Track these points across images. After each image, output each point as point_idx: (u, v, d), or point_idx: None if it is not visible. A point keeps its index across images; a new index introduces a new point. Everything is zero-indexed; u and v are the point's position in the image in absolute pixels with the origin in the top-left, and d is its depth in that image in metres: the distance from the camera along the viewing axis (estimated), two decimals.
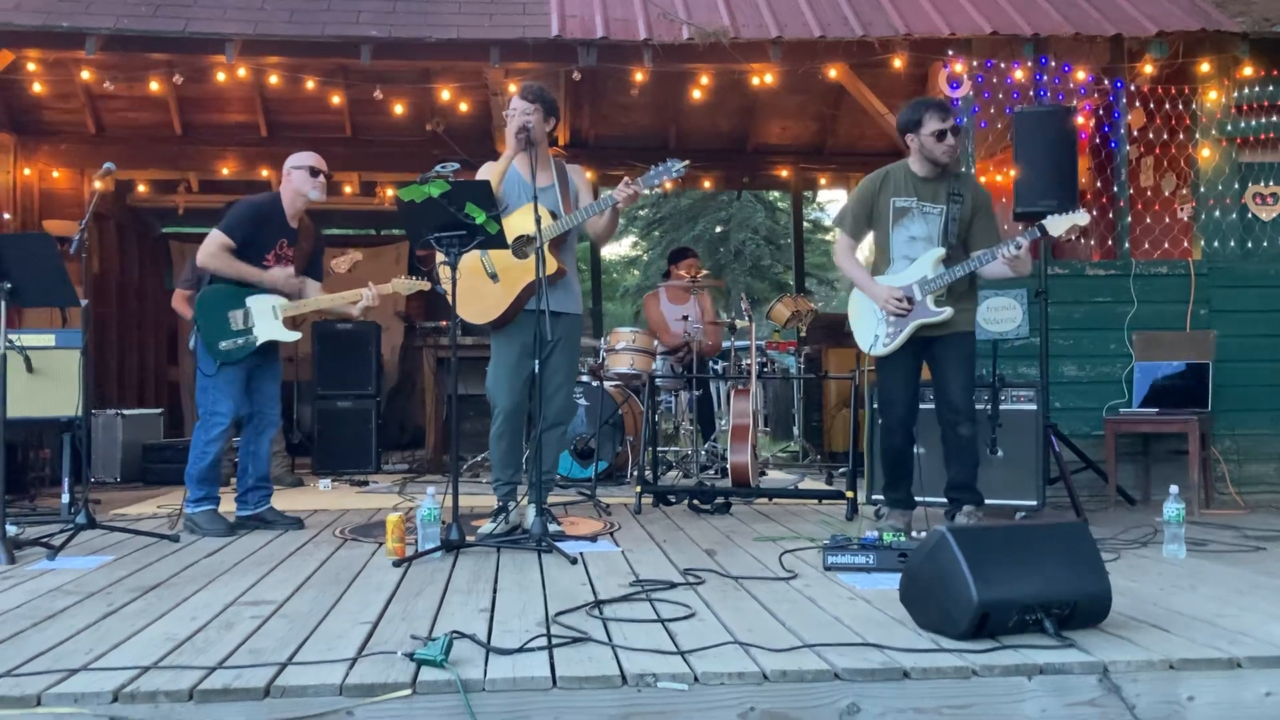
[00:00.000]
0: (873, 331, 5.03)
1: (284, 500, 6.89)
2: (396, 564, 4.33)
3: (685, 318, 7.97)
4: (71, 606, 3.61)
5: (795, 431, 9.46)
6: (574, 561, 4.35)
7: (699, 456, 7.88)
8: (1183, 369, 6.47)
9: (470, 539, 4.68)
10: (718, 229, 28.66)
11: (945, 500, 5.15)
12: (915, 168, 5.01)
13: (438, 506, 4.60)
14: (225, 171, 10.02)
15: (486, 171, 5.14)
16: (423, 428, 9.80)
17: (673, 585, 3.88)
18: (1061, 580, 3.11)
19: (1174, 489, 4.57)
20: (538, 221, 4.75)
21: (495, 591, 3.82)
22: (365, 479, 7.91)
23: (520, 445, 5.12)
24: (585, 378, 7.59)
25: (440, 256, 4.75)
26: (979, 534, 3.18)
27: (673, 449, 8.27)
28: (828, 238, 29.48)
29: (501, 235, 4.69)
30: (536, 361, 4.74)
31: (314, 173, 5.53)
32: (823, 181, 11.23)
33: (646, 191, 5.03)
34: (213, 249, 5.34)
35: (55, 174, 9.85)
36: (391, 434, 10.65)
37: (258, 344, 5.41)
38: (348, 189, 10.55)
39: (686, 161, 4.92)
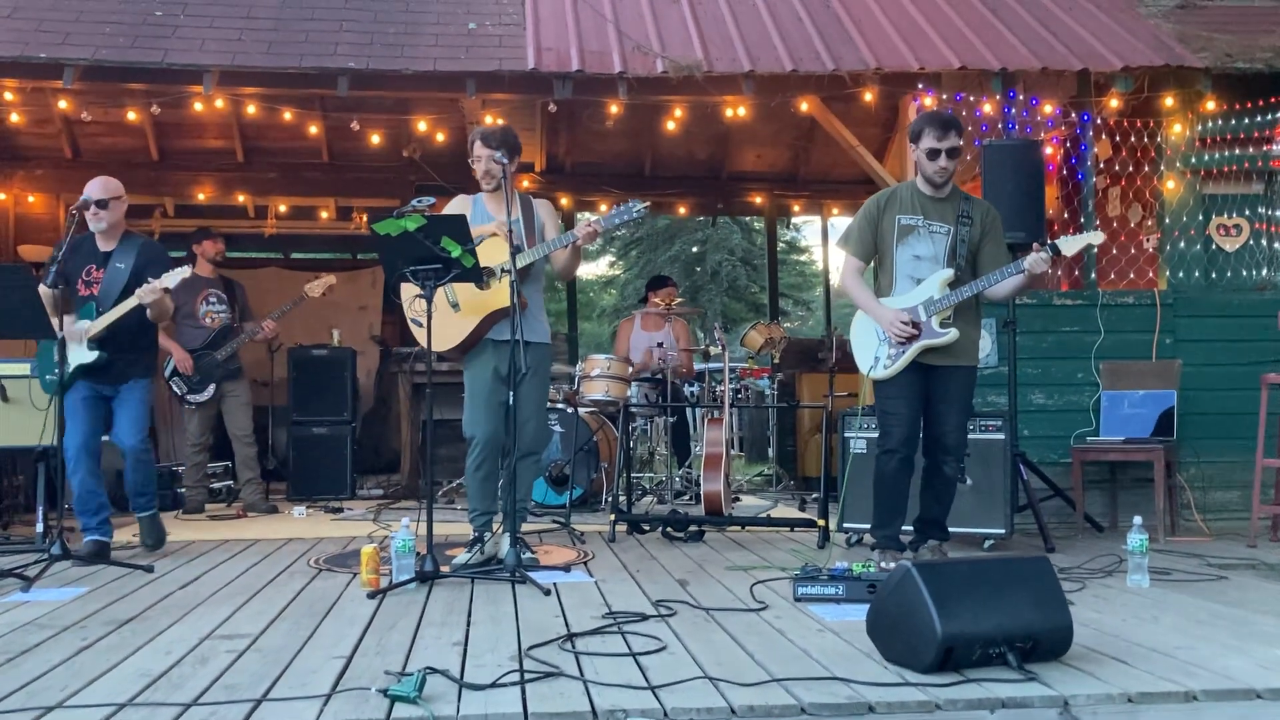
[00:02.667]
0: (873, 353, 4.91)
1: (258, 528, 6.92)
2: (371, 595, 4.36)
3: (660, 344, 8.03)
4: (46, 641, 3.63)
5: (770, 454, 9.53)
6: (547, 593, 4.39)
7: (673, 483, 7.94)
8: (1149, 398, 6.57)
9: (445, 569, 4.72)
10: (694, 249, 28.86)
11: (910, 529, 5.13)
12: (921, 186, 4.90)
13: (412, 537, 4.63)
14: (201, 197, 10.03)
15: (458, 205, 5.21)
16: (399, 451, 9.83)
17: (644, 617, 3.93)
18: (1024, 614, 3.18)
19: (1137, 520, 4.64)
20: (513, 255, 4.80)
21: (469, 624, 3.86)
22: (340, 505, 7.92)
23: (496, 476, 5.16)
24: (560, 404, 7.64)
25: (412, 290, 4.83)
26: (944, 569, 3.24)
27: (648, 475, 8.32)
28: (802, 258, 29.71)
29: (477, 269, 4.76)
30: (511, 393, 4.79)
31: (92, 204, 5.48)
32: (796, 209, 11.33)
33: (604, 232, 5.08)
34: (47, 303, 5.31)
35: (31, 199, 9.84)
36: (367, 457, 10.65)
37: (70, 368, 5.38)
38: (324, 214, 10.59)
39: (646, 204, 5.01)
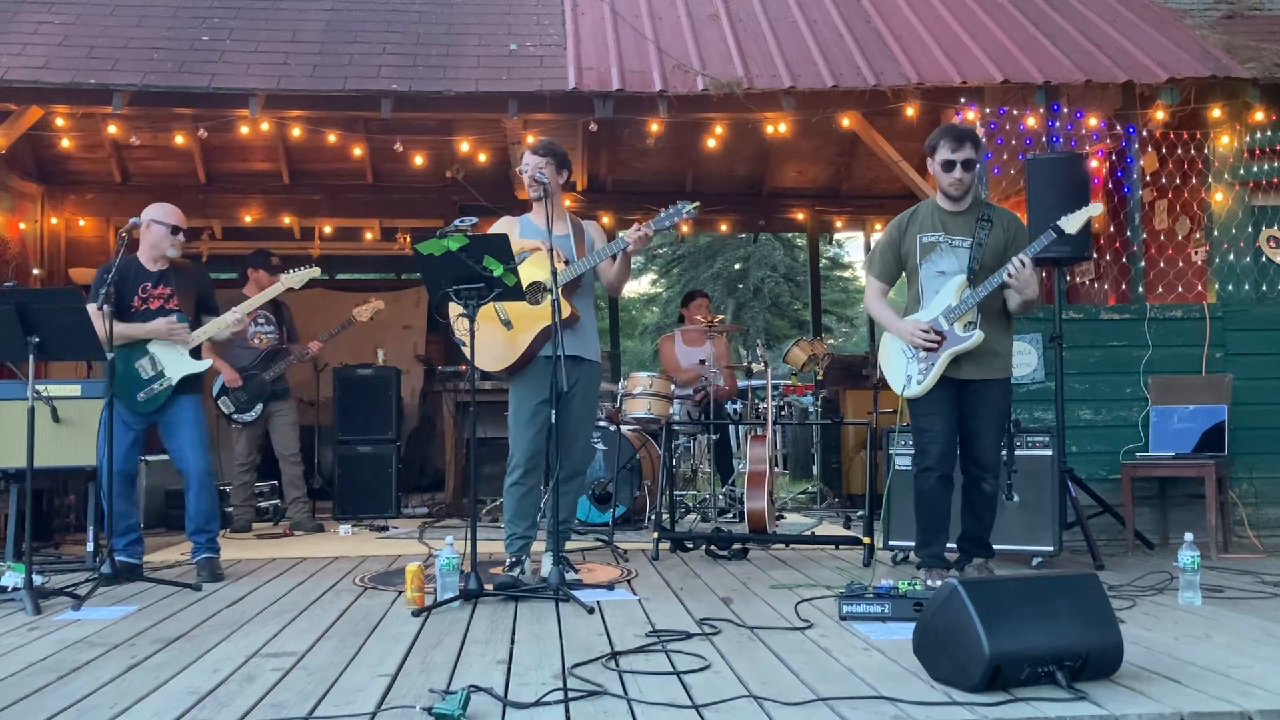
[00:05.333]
0: (904, 372, 4.89)
1: (304, 546, 6.98)
2: (415, 614, 4.38)
3: (702, 361, 8.02)
4: (96, 659, 3.67)
5: (815, 471, 9.49)
6: (590, 611, 4.38)
7: (717, 500, 7.92)
8: (1199, 413, 6.47)
9: (488, 587, 4.73)
10: (736, 266, 28.83)
11: (954, 547, 5.10)
12: (941, 201, 4.90)
13: (456, 556, 4.65)
14: (248, 219, 10.16)
15: (504, 225, 5.22)
16: (443, 470, 9.89)
17: (688, 636, 3.91)
18: (1073, 632, 3.13)
19: (1189, 536, 4.57)
20: (554, 272, 4.83)
21: (513, 642, 3.86)
22: (385, 525, 7.96)
23: (537, 496, 5.14)
24: (603, 422, 7.65)
25: (457, 309, 4.85)
26: (991, 586, 3.20)
27: (690, 493, 8.30)
28: (846, 274, 29.59)
29: (519, 288, 4.77)
30: (553, 412, 4.79)
31: (175, 231, 5.62)
32: (839, 224, 11.31)
33: (655, 233, 5.06)
34: (96, 322, 5.40)
35: (81, 223, 10.02)
36: (412, 476, 10.70)
37: (175, 381, 5.49)
38: (368, 235, 10.69)
39: (696, 203, 4.96)
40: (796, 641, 3.82)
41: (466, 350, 4.92)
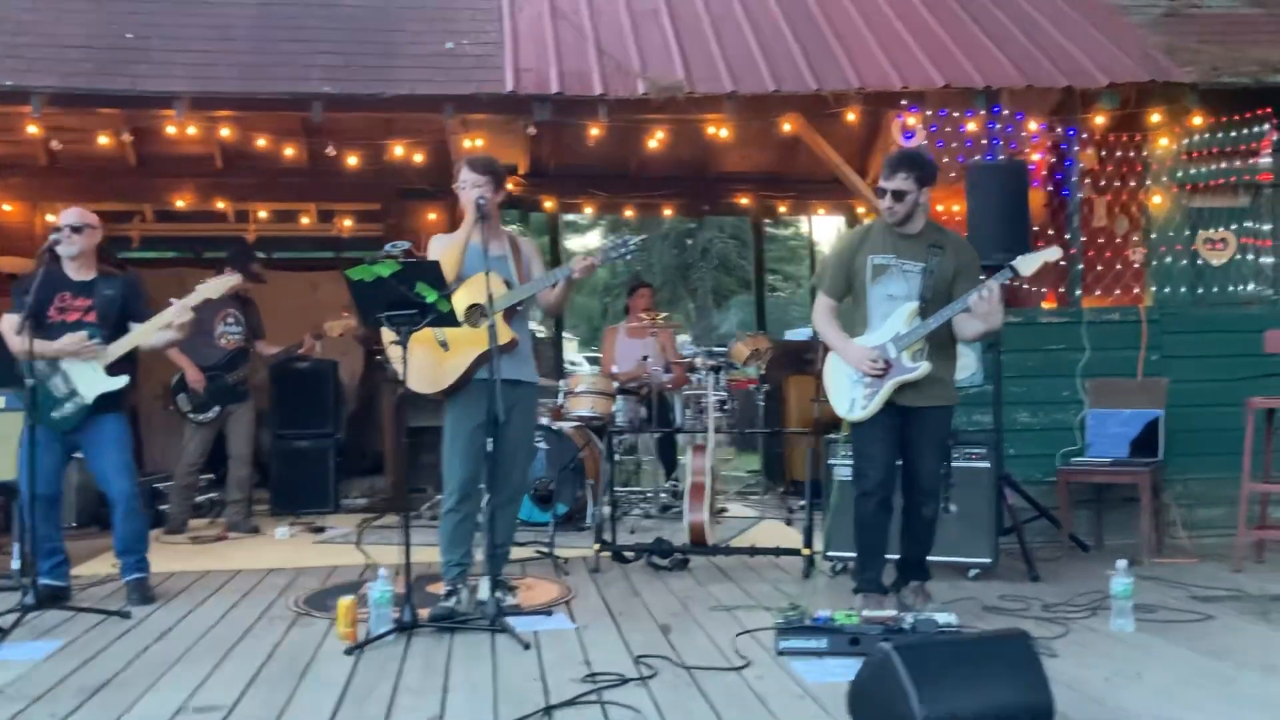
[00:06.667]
0: (849, 395, 4.86)
1: (239, 556, 6.86)
2: (348, 651, 4.32)
3: (645, 358, 7.97)
4: (14, 719, 3.58)
5: (759, 462, 9.52)
6: (527, 647, 4.35)
7: (660, 497, 7.92)
8: (1135, 416, 6.53)
9: (423, 614, 4.67)
10: (685, 226, 28.90)
11: (895, 572, 5.11)
12: (887, 218, 4.81)
13: (390, 588, 4.59)
14: (180, 204, 9.91)
15: (439, 243, 5.10)
16: (383, 453, 9.81)
17: (624, 680, 3.88)
18: (1005, 693, 3.16)
19: (1120, 564, 4.61)
20: (490, 297, 4.74)
21: (445, 690, 3.83)
22: (323, 526, 7.84)
23: (472, 524, 5.05)
24: (545, 420, 7.59)
25: (390, 334, 4.75)
26: (925, 650, 3.20)
27: (635, 489, 8.28)
28: (788, 232, 29.67)
29: (452, 314, 4.69)
30: (490, 440, 4.71)
31: (57, 229, 5.42)
32: (783, 209, 11.25)
33: (601, 265, 5.01)
34: (7, 335, 5.28)
35: (7, 208, 9.72)
36: (352, 458, 10.56)
37: (90, 400, 5.31)
38: (305, 220, 10.48)
39: (643, 236, 4.98)
40: (733, 687, 3.81)
41: (400, 370, 4.84)
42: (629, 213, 11.41)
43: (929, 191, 4.78)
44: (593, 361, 17.88)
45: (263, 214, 10.39)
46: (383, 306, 4.62)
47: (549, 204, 10.23)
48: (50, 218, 9.86)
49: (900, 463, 4.91)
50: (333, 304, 10.50)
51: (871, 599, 4.84)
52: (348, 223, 10.49)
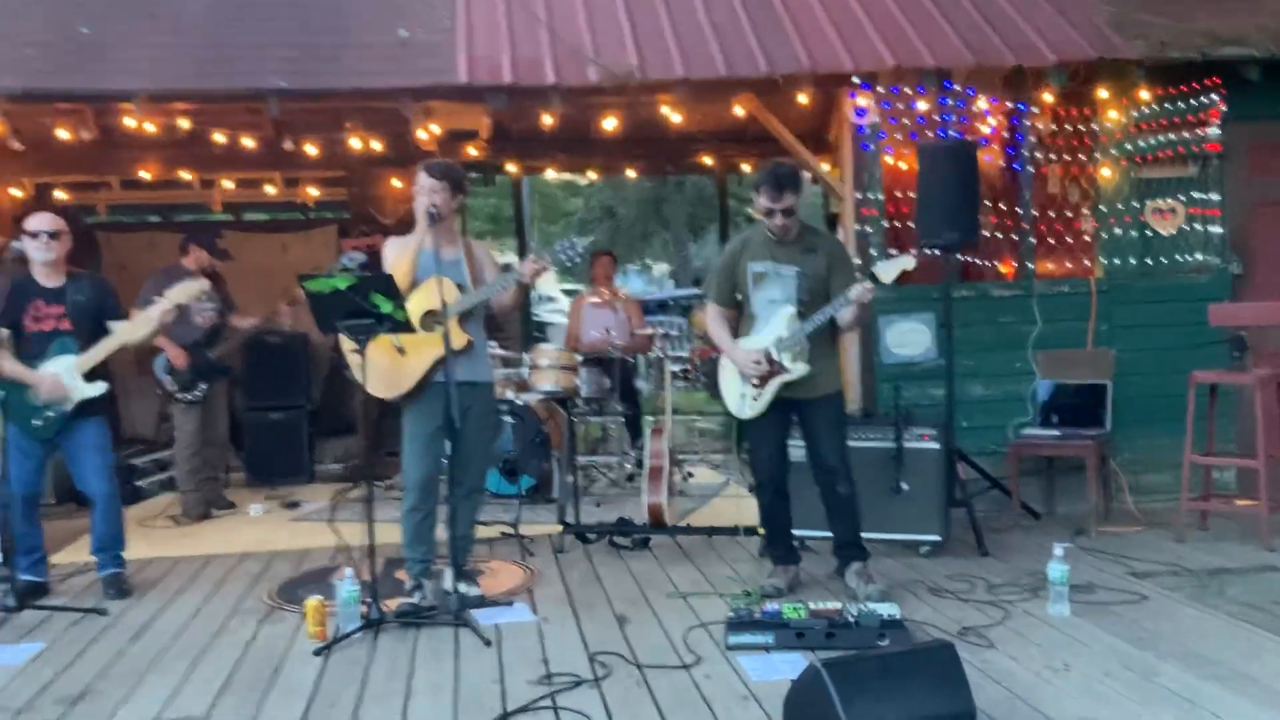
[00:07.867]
0: (739, 393, 5.20)
1: (215, 532, 7.04)
2: (317, 652, 4.51)
3: (608, 330, 8.10)
4: None
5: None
6: (488, 644, 4.54)
7: (625, 468, 8.11)
8: (1083, 388, 6.71)
9: (388, 607, 4.87)
10: None
11: (835, 558, 5.38)
12: (769, 232, 5.07)
13: (357, 588, 4.77)
14: (146, 176, 9.91)
15: (394, 246, 5.21)
16: (355, 417, 9.93)
17: (578, 682, 4.08)
18: (929, 705, 3.35)
19: (1058, 550, 4.81)
20: (443, 303, 4.86)
21: (408, 694, 4.02)
22: (297, 501, 8.00)
23: (433, 521, 5.21)
24: (510, 394, 7.73)
25: (349, 343, 4.88)
26: (852, 666, 3.39)
27: (600, 457, 8.45)
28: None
29: (408, 322, 4.82)
30: (448, 443, 4.86)
31: (33, 235, 5.48)
32: (746, 168, 11.26)
33: (549, 266, 5.11)
34: None
35: None
36: (326, 420, 10.67)
37: (69, 407, 5.43)
38: (270, 189, 10.50)
39: (592, 238, 5.06)
40: (681, 689, 4.00)
41: (358, 376, 4.97)
42: (592, 174, 11.42)
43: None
44: (570, 294, 17.95)
45: (228, 184, 10.40)
46: (340, 315, 4.74)
47: (512, 168, 10.27)
48: (15, 191, 9.88)
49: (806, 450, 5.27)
50: (303, 265, 10.60)
51: (780, 571, 5.31)
52: (313, 190, 10.52)
